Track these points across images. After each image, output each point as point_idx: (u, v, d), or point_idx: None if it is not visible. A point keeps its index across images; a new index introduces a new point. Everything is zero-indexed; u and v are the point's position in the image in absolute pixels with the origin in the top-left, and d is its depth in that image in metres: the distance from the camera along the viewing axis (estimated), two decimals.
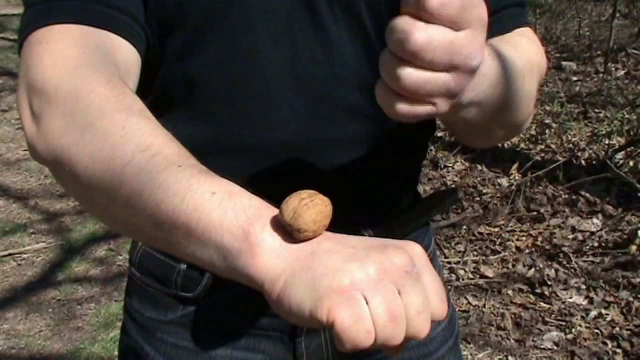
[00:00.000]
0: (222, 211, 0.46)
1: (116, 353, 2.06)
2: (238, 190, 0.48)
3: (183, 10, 0.66)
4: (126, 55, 0.62)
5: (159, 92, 0.72)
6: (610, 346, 2.16)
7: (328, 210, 0.48)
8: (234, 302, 0.78)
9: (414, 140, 0.82)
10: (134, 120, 0.52)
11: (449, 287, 2.49)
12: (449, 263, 2.66)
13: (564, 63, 4.95)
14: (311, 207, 0.46)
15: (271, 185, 0.73)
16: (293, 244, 0.46)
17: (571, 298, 2.40)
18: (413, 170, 0.85)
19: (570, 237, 2.76)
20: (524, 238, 2.80)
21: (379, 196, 0.80)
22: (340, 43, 0.70)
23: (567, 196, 3.04)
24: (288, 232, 0.46)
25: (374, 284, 0.42)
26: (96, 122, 0.53)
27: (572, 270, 2.54)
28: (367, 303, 0.42)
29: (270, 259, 0.45)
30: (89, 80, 0.55)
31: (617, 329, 2.22)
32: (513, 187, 3.08)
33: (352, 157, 0.75)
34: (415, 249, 0.46)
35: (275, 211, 0.47)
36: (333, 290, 0.42)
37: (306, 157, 0.73)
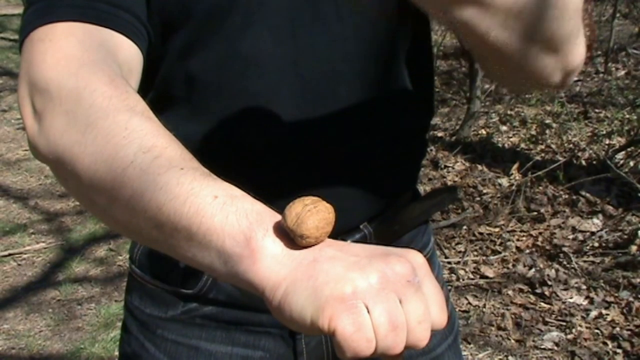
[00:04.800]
0: (224, 215, 0.46)
1: (116, 353, 2.05)
2: (240, 194, 0.48)
3: (187, 10, 0.67)
4: (128, 53, 0.62)
5: (159, 90, 0.72)
6: (610, 346, 2.16)
7: (331, 217, 0.47)
8: (233, 298, 0.78)
9: (414, 134, 0.82)
10: (136, 120, 0.52)
11: (449, 287, 2.49)
12: (449, 263, 2.66)
13: None
14: (314, 213, 0.46)
15: (271, 182, 0.73)
16: (295, 251, 0.46)
17: (571, 298, 2.40)
18: (412, 167, 0.85)
19: (570, 237, 2.76)
20: (524, 238, 2.80)
21: (378, 193, 0.80)
22: (342, 39, 0.70)
23: (567, 196, 3.04)
24: (290, 238, 0.46)
25: (376, 292, 0.42)
26: (98, 122, 0.52)
27: (572, 270, 2.54)
28: (368, 312, 0.42)
29: (271, 265, 0.45)
30: (92, 79, 0.55)
31: (617, 329, 2.22)
32: (513, 187, 3.08)
33: (353, 153, 0.75)
34: (416, 258, 0.46)
35: (277, 216, 0.47)
36: (335, 299, 0.42)
37: (306, 153, 0.73)
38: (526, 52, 0.58)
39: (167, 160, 0.49)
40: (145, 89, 0.70)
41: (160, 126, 0.53)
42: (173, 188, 0.47)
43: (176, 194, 0.47)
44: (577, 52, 0.62)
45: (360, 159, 0.76)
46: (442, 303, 0.46)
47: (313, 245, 0.46)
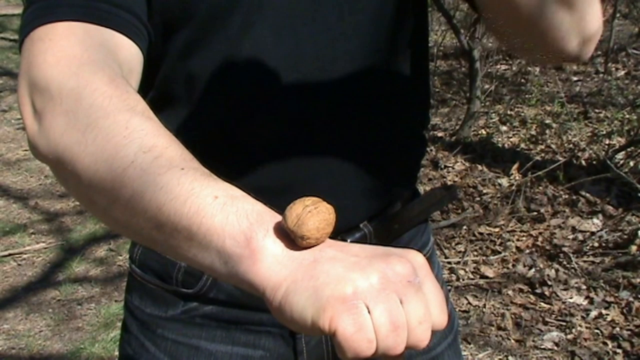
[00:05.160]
0: (224, 216, 0.46)
1: (116, 353, 2.05)
2: (241, 195, 0.48)
3: (188, 10, 0.67)
4: (129, 53, 0.62)
5: (159, 89, 0.72)
6: (610, 346, 2.16)
7: (331, 217, 0.47)
8: (234, 298, 0.78)
9: (414, 131, 0.83)
10: (136, 120, 0.52)
11: (449, 287, 2.49)
12: (449, 263, 2.66)
13: (564, 63, 4.95)
14: (315, 214, 0.46)
15: (271, 180, 0.73)
16: (295, 251, 0.46)
17: (571, 298, 2.40)
18: (412, 164, 0.85)
19: (570, 237, 2.76)
20: (524, 238, 2.80)
21: (378, 191, 0.80)
22: (344, 38, 0.71)
23: (567, 196, 3.04)
24: (290, 238, 0.46)
25: (377, 293, 0.42)
26: (99, 122, 0.52)
27: (572, 270, 2.54)
28: (369, 312, 0.42)
29: (271, 265, 0.45)
30: (92, 78, 0.55)
31: (617, 329, 2.22)
32: (513, 187, 3.08)
33: (353, 151, 0.75)
34: (417, 258, 0.46)
35: (278, 217, 0.47)
36: (335, 299, 0.42)
37: (307, 152, 0.73)
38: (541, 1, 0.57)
39: (167, 160, 0.49)
40: (145, 89, 0.70)
41: (160, 126, 0.53)
42: (173, 188, 0.47)
43: (176, 194, 0.47)
44: (592, 16, 0.61)
45: (360, 156, 0.76)
46: (443, 303, 0.46)
47: (313, 246, 0.46)
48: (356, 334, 0.41)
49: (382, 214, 0.82)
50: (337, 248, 0.46)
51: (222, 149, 0.72)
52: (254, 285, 0.45)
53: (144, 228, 0.50)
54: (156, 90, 0.72)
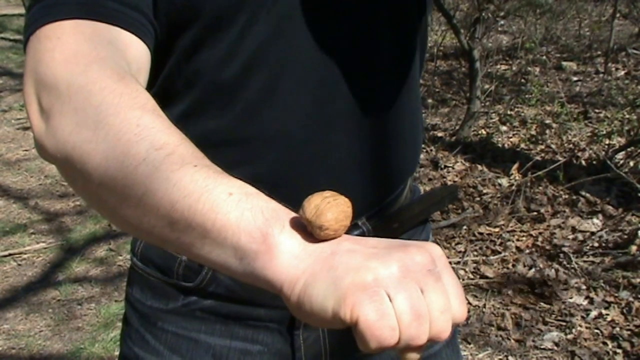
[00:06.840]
0: (239, 212, 0.46)
1: (116, 353, 2.05)
2: (254, 192, 0.48)
3: (194, 10, 0.67)
4: (137, 52, 0.62)
5: (162, 86, 0.72)
6: (610, 346, 2.16)
7: (349, 211, 0.47)
8: (232, 292, 0.78)
9: (415, 114, 0.82)
10: (147, 118, 0.52)
11: None
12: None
13: (564, 63, 4.96)
14: (334, 205, 0.46)
15: (272, 174, 0.73)
16: (312, 245, 0.45)
17: (571, 298, 2.40)
18: (410, 155, 0.85)
19: (570, 237, 2.76)
20: (524, 238, 2.80)
21: (376, 185, 0.80)
22: (342, 29, 0.71)
23: (567, 196, 3.04)
24: (307, 232, 0.46)
25: (397, 281, 0.42)
26: (109, 119, 0.52)
27: (572, 270, 2.54)
28: (390, 300, 0.41)
29: (288, 260, 0.44)
30: (101, 76, 0.55)
31: (617, 329, 2.22)
32: (513, 187, 3.08)
33: (352, 145, 0.75)
34: (435, 250, 0.46)
35: (292, 214, 0.47)
36: (356, 287, 0.41)
37: (307, 145, 0.73)
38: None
39: (179, 157, 0.49)
40: (149, 84, 0.70)
41: (170, 124, 0.53)
42: (187, 185, 0.47)
43: (190, 191, 0.47)
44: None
45: (360, 151, 0.76)
46: (462, 295, 0.45)
47: (331, 238, 0.46)
48: (379, 321, 0.41)
49: (381, 212, 0.82)
50: (354, 241, 0.46)
51: (221, 143, 0.72)
52: (270, 282, 0.45)
53: (156, 226, 0.50)
54: (158, 86, 0.72)
